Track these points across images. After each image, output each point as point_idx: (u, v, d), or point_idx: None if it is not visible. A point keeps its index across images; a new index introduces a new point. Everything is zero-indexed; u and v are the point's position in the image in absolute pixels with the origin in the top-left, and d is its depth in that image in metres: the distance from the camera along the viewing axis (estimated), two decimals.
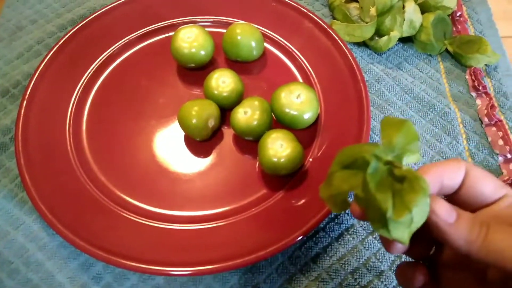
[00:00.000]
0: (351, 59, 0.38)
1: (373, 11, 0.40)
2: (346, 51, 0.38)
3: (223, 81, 0.36)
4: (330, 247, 0.32)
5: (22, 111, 0.35)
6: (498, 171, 0.36)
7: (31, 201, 0.32)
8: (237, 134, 0.36)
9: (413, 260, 0.24)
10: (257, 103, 0.35)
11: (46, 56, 0.38)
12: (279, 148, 0.32)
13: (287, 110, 0.34)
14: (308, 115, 0.35)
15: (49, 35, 0.43)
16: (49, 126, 0.36)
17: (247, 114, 0.34)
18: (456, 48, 0.42)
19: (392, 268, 0.31)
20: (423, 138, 0.38)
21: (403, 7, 0.41)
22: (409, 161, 0.21)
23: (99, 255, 0.29)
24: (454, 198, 0.22)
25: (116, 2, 0.42)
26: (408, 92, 0.40)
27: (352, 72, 0.37)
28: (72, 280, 0.31)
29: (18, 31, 0.44)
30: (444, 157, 0.37)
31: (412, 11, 0.40)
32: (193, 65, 0.39)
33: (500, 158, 0.37)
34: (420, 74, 0.41)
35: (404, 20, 0.40)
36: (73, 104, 0.38)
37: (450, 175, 0.21)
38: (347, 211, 0.34)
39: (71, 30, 0.40)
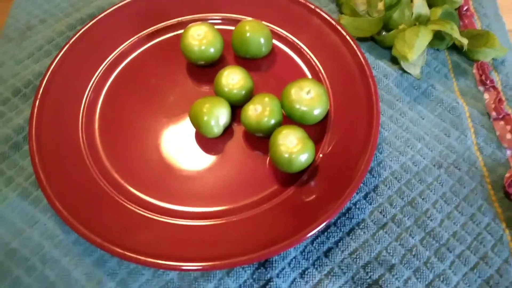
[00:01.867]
0: (359, 54, 0.38)
1: (380, 5, 0.40)
2: (355, 46, 0.38)
3: (232, 78, 0.36)
4: (341, 241, 0.33)
5: (35, 110, 0.36)
6: (507, 165, 0.36)
7: (46, 198, 0.32)
8: (247, 130, 0.36)
9: None
10: (267, 100, 0.35)
11: (57, 55, 0.38)
12: (290, 144, 0.33)
13: (297, 106, 0.35)
14: (318, 111, 0.35)
15: (58, 34, 0.43)
16: (62, 124, 0.36)
17: (258, 111, 0.35)
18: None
19: (403, 262, 0.32)
20: (432, 133, 0.38)
21: (411, 1, 0.41)
22: None
23: (114, 251, 0.30)
24: None
25: (124, 1, 0.42)
26: (416, 87, 0.40)
27: (361, 68, 0.37)
28: (88, 276, 0.32)
29: (27, 30, 0.44)
30: (452, 151, 0.37)
31: (420, 5, 0.40)
32: (202, 62, 0.39)
33: (508, 152, 0.37)
34: (427, 68, 0.42)
35: (412, 14, 0.41)
36: (85, 102, 0.38)
37: None
38: (358, 207, 0.34)
39: (80, 29, 0.40)
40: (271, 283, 0.31)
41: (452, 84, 0.41)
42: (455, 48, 0.43)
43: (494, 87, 0.40)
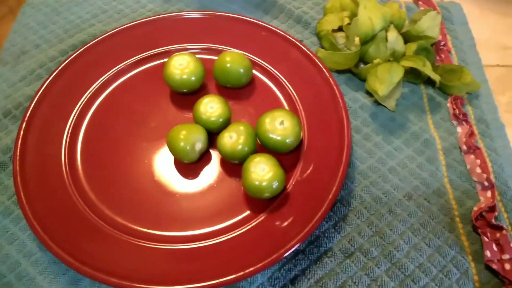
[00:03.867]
0: (334, 86, 0.39)
1: (357, 40, 0.42)
2: (330, 79, 0.40)
3: (211, 107, 0.38)
4: (308, 269, 0.34)
5: (21, 131, 0.38)
6: (476, 198, 0.37)
7: (25, 218, 0.33)
8: (223, 157, 0.37)
9: None
10: (242, 128, 0.36)
11: (46, 79, 0.41)
12: (261, 172, 0.34)
13: (270, 135, 0.36)
14: (290, 140, 0.36)
15: (51, 59, 0.46)
16: (46, 146, 0.38)
17: (233, 139, 0.36)
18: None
19: None
20: (405, 166, 0.39)
21: (386, 37, 0.42)
22: None
23: (85, 272, 0.31)
24: None
25: (115, 29, 0.44)
26: (392, 120, 0.42)
27: (335, 100, 0.39)
28: None
29: (22, 55, 0.46)
30: (423, 183, 0.38)
31: (394, 41, 0.42)
32: (185, 90, 0.41)
33: (478, 186, 0.38)
34: (403, 101, 0.43)
35: (387, 49, 0.42)
36: (70, 126, 0.40)
37: None
38: (326, 236, 0.35)
39: (71, 55, 0.42)
40: None
41: (427, 118, 0.42)
42: (431, 82, 0.44)
43: (466, 121, 0.41)
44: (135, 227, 0.35)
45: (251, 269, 0.31)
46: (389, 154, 0.39)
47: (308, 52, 0.42)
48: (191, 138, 0.36)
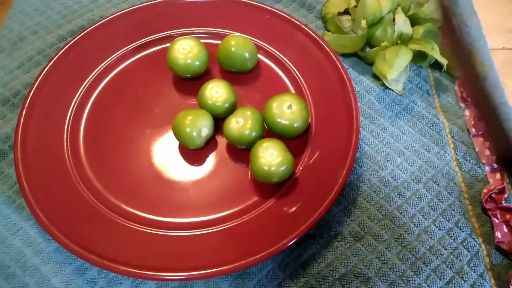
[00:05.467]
0: (341, 70, 0.39)
1: (363, 23, 0.41)
2: (337, 62, 0.39)
3: (216, 91, 0.37)
4: (318, 253, 0.33)
5: (22, 119, 0.37)
6: (485, 181, 0.37)
7: (28, 207, 0.33)
8: (229, 143, 0.37)
9: None
10: (249, 113, 0.36)
11: (45, 66, 0.39)
12: (269, 156, 0.33)
13: (278, 120, 0.35)
14: (298, 125, 0.36)
15: (49, 45, 0.44)
16: (47, 134, 0.37)
17: (239, 124, 0.35)
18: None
19: (379, 275, 0.32)
20: (412, 148, 0.38)
21: (394, 19, 0.42)
22: None
23: (93, 260, 0.30)
24: None
25: (114, 14, 0.43)
26: (397, 103, 0.41)
27: (342, 83, 0.38)
28: (68, 285, 0.32)
29: (19, 41, 0.45)
30: (432, 166, 0.37)
31: (402, 24, 0.41)
32: (188, 75, 0.40)
33: (487, 168, 0.37)
34: (410, 85, 0.42)
35: (394, 32, 0.42)
36: (71, 113, 0.39)
37: None
38: (336, 220, 0.35)
39: (70, 41, 0.41)
40: None
41: (433, 101, 0.42)
42: (438, 65, 0.44)
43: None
44: (141, 214, 0.34)
45: (261, 254, 0.31)
46: (396, 137, 0.39)
47: (314, 36, 0.41)
48: (197, 124, 0.35)
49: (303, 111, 0.36)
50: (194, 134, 0.35)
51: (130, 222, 0.34)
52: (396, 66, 0.38)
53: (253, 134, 0.35)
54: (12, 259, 0.33)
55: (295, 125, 0.35)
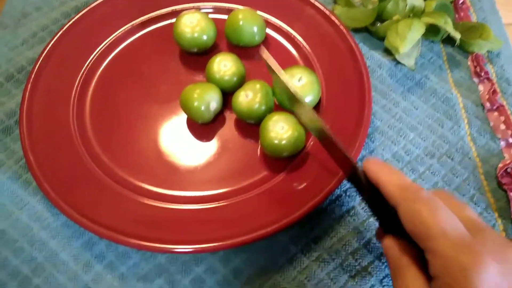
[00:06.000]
0: (352, 44, 0.38)
1: None
2: (348, 36, 0.38)
3: (224, 65, 0.36)
4: (331, 228, 0.33)
5: (27, 94, 0.36)
6: (500, 156, 0.36)
7: (36, 181, 0.32)
8: (239, 117, 0.36)
9: None
10: (258, 86, 0.35)
11: (50, 41, 0.39)
12: (280, 130, 0.33)
13: None
14: (309, 98, 0.35)
15: (53, 22, 0.44)
16: (53, 109, 0.36)
17: (249, 97, 0.35)
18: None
19: None
20: (425, 123, 0.38)
21: None
22: None
23: (102, 233, 0.30)
24: None
25: None
26: (410, 78, 0.40)
27: (354, 57, 0.37)
28: (76, 259, 0.32)
29: (23, 18, 0.44)
30: (445, 141, 0.37)
31: None
32: (195, 50, 0.39)
33: (502, 143, 0.37)
34: (422, 60, 0.41)
35: (406, 5, 0.40)
36: (77, 88, 0.38)
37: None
38: (348, 194, 0.34)
39: (74, 16, 0.40)
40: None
41: (446, 75, 0.41)
42: (450, 40, 0.43)
43: (488, 79, 0.40)
44: (149, 187, 0.34)
45: (272, 227, 0.30)
46: (408, 112, 0.38)
47: (324, 9, 0.40)
48: (206, 97, 0.35)
49: (314, 84, 0.35)
50: (203, 108, 0.35)
51: (138, 195, 0.33)
52: (408, 39, 0.37)
53: (263, 107, 0.34)
54: (20, 234, 0.33)
55: (306, 98, 0.34)
